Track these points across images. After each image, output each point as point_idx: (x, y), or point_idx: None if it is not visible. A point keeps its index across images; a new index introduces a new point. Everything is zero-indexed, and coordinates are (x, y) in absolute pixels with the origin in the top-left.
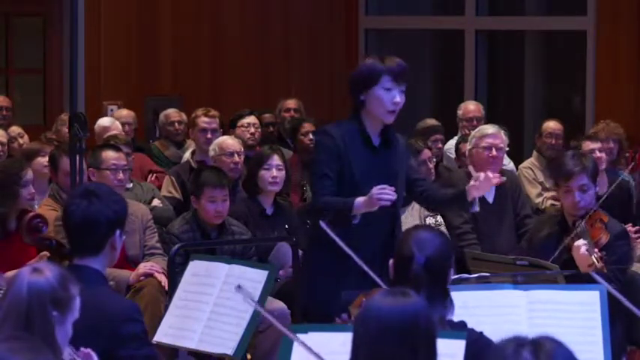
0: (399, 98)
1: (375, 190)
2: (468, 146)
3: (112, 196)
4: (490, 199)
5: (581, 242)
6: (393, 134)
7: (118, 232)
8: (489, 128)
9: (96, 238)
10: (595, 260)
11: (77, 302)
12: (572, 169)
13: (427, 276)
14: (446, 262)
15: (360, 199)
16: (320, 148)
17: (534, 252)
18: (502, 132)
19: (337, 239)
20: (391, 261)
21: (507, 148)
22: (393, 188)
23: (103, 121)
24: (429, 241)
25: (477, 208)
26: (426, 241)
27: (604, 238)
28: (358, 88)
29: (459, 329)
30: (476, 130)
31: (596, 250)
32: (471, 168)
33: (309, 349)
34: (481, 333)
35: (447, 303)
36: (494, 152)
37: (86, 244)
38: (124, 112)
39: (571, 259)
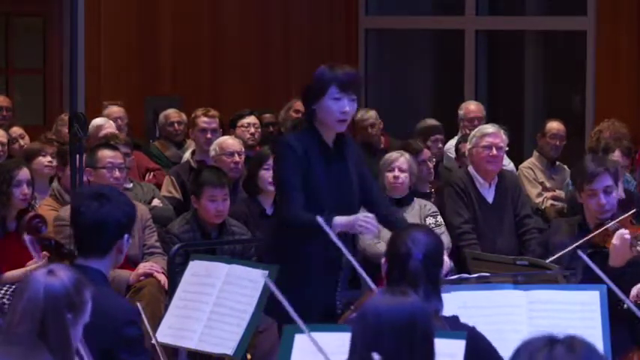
0: (348, 107)
1: (362, 217)
2: (468, 146)
3: (121, 198)
4: (490, 199)
5: (624, 231)
6: (345, 139)
7: (126, 236)
8: (489, 127)
9: (104, 241)
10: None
11: (89, 306)
12: (594, 170)
13: (424, 272)
14: (440, 258)
15: (340, 220)
16: (283, 158)
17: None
18: (502, 131)
19: (333, 236)
20: (383, 260)
21: (507, 148)
22: (375, 222)
23: (97, 121)
24: (424, 238)
25: None
26: (421, 239)
27: None
28: (309, 98)
29: (452, 323)
30: (476, 129)
31: (639, 242)
32: (471, 168)
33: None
34: (473, 327)
35: (440, 298)
36: (494, 151)
37: (94, 246)
38: (115, 109)
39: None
